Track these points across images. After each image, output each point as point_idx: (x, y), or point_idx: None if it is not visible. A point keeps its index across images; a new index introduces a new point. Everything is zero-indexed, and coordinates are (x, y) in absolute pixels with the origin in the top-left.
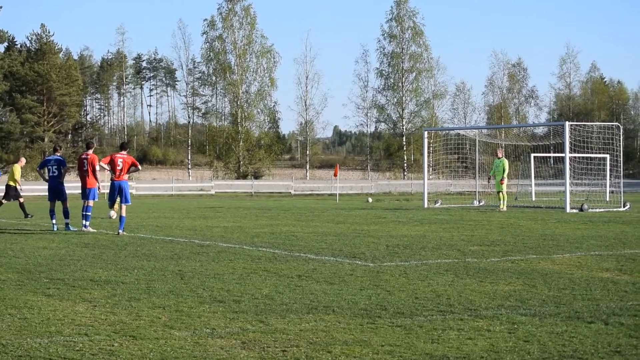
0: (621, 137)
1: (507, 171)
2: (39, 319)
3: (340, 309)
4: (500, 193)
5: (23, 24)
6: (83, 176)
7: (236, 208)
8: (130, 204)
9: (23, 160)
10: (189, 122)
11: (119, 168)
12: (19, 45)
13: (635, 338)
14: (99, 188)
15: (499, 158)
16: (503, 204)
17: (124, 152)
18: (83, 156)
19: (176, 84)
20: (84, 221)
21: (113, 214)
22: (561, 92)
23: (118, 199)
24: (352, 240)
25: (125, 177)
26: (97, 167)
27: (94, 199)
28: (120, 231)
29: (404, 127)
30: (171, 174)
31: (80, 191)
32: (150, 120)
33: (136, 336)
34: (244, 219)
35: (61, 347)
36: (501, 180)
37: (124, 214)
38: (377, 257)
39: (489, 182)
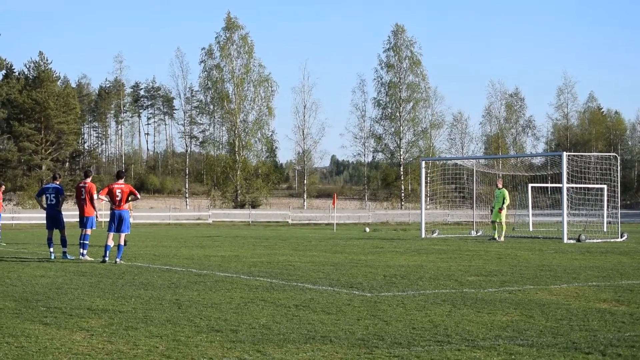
0: (619, 168)
1: (507, 201)
2: (36, 347)
3: (337, 339)
4: (496, 223)
5: (21, 51)
6: (81, 205)
7: (233, 237)
8: (129, 232)
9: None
10: (187, 151)
11: (117, 198)
12: (17, 73)
13: None
14: (96, 217)
15: (499, 188)
16: (501, 234)
17: (121, 181)
18: (81, 184)
19: (174, 113)
20: (81, 250)
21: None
22: (559, 123)
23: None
24: (349, 270)
25: (126, 206)
26: (95, 196)
27: (91, 228)
28: (117, 260)
29: (402, 157)
30: (168, 203)
31: (77, 219)
32: (147, 149)
33: None
34: (242, 248)
35: None
36: (500, 209)
37: (122, 243)
38: (374, 287)
39: (491, 212)
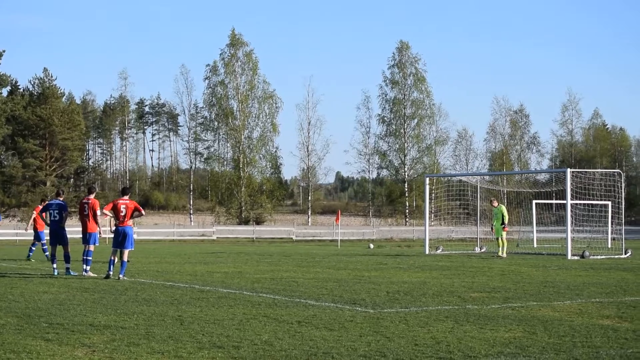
0: (623, 184)
1: (507, 217)
2: None
3: (339, 355)
4: (500, 239)
5: (26, 68)
6: (84, 220)
7: (237, 254)
8: (132, 249)
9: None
10: (191, 167)
11: (122, 214)
12: (21, 89)
13: None
14: (100, 233)
15: (495, 207)
16: (502, 251)
17: (126, 198)
18: (84, 200)
19: (178, 129)
20: (84, 266)
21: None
22: (563, 139)
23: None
24: (352, 286)
25: (130, 222)
26: (98, 212)
27: (94, 244)
28: (120, 276)
29: (406, 173)
30: (173, 219)
31: (81, 235)
32: (152, 165)
33: None
34: (245, 265)
35: None
36: (503, 226)
37: (125, 259)
38: (377, 303)
39: (492, 230)
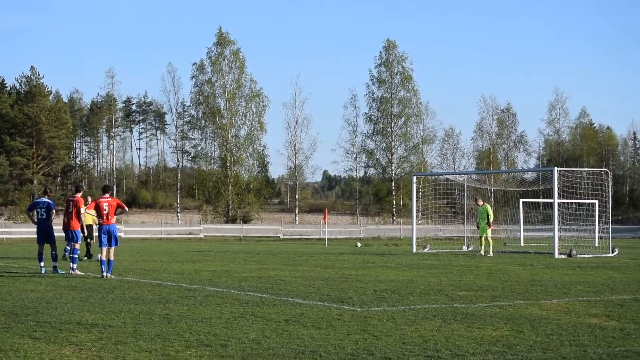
0: (610, 183)
1: (492, 216)
2: None
3: (327, 353)
4: (483, 238)
5: (13, 66)
6: (67, 218)
7: (224, 252)
8: (118, 247)
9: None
10: (178, 166)
11: (105, 212)
12: (8, 88)
13: None
14: (83, 230)
15: (480, 206)
16: (489, 249)
17: (107, 195)
18: (70, 198)
19: (166, 128)
20: (71, 264)
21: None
22: (550, 138)
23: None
24: (340, 284)
25: (114, 220)
26: (82, 209)
27: (77, 242)
28: (108, 274)
29: (393, 172)
30: (160, 218)
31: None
32: (139, 164)
33: None
34: (232, 263)
35: None
36: (489, 224)
37: (112, 258)
38: (364, 302)
39: (478, 228)
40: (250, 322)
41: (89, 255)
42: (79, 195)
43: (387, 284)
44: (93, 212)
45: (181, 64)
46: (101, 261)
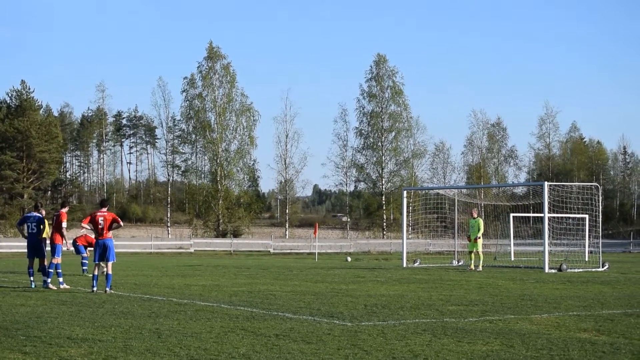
0: (600, 198)
1: (482, 230)
2: None
3: None
4: (473, 253)
5: (3, 80)
6: (52, 232)
7: (215, 266)
8: (115, 261)
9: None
10: (169, 180)
11: (100, 227)
12: None
13: None
14: (65, 244)
15: (474, 218)
16: (479, 264)
17: (104, 210)
18: (56, 213)
19: (156, 142)
20: (59, 278)
21: (103, 267)
22: (540, 152)
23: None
24: (330, 299)
25: (109, 234)
26: (64, 224)
27: (58, 256)
28: (108, 289)
29: (384, 187)
30: (150, 232)
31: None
32: (129, 178)
33: None
34: (223, 278)
35: None
36: (476, 239)
37: (110, 272)
38: (355, 316)
39: (469, 241)
40: (241, 337)
41: (83, 271)
42: (64, 210)
43: (377, 298)
44: (88, 226)
45: (172, 78)
46: (93, 276)
